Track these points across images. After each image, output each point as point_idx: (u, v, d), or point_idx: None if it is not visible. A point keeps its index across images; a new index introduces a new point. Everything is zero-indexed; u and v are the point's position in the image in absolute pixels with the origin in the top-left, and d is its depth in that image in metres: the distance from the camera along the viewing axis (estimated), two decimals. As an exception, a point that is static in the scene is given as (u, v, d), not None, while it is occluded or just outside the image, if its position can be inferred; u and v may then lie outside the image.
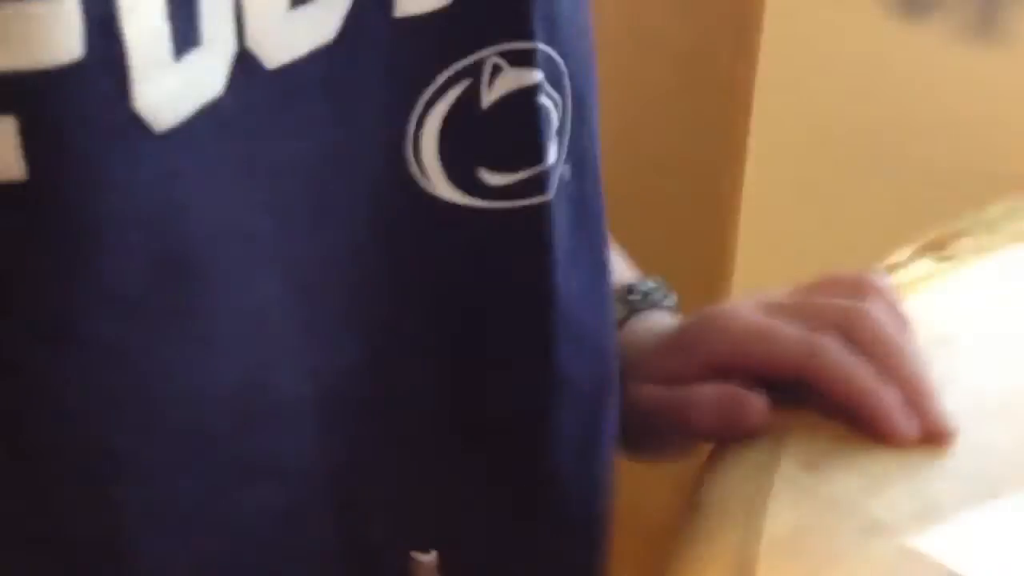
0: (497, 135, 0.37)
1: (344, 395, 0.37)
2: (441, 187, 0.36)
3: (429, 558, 0.32)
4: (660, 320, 0.49)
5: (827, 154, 1.38)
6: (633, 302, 0.50)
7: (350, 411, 0.37)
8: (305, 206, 0.34)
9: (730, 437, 0.41)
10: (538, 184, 0.38)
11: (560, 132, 0.39)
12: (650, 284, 0.51)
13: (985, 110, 1.28)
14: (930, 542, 0.31)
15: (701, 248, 1.43)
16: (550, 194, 0.38)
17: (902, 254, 1.20)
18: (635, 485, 0.53)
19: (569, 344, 0.40)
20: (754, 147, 1.41)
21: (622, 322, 0.49)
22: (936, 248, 1.22)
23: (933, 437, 0.40)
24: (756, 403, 0.41)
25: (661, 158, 1.42)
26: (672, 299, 0.51)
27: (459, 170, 0.37)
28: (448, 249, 0.38)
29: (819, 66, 1.36)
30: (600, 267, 0.43)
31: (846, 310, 0.43)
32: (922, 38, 1.27)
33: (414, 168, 0.36)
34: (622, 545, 0.49)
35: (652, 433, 0.45)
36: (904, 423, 0.40)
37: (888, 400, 0.40)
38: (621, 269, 0.52)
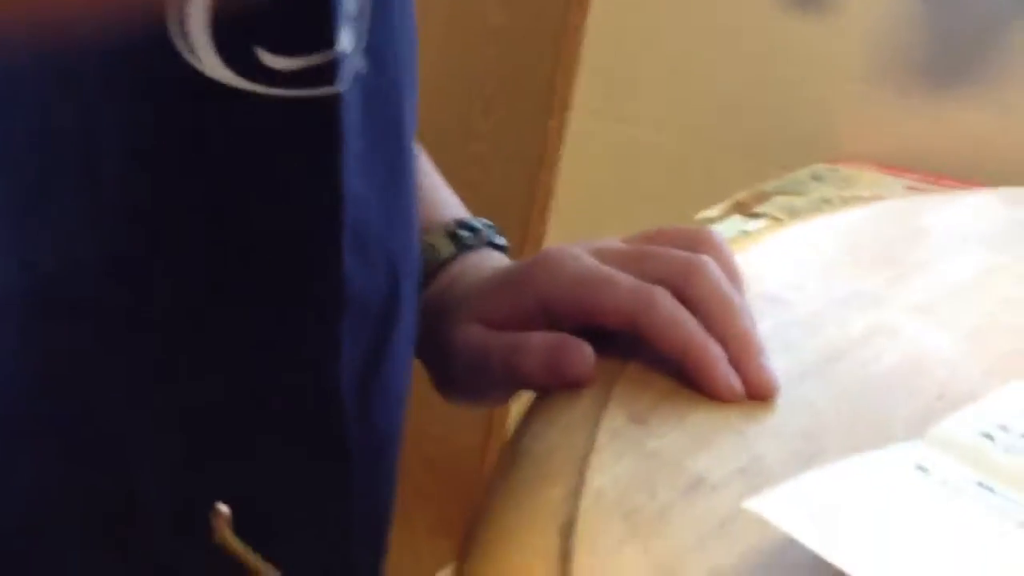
0: (281, 12, 0.32)
1: (73, 296, 0.33)
2: (213, 67, 0.32)
3: (222, 509, 0.29)
4: (491, 259, 0.47)
5: (648, 110, 1.39)
6: (463, 238, 0.47)
7: (80, 315, 0.33)
8: (25, 74, 0.29)
9: (557, 386, 0.39)
10: (328, 72, 0.34)
11: (357, 18, 0.35)
12: (482, 222, 0.48)
13: (803, 77, 1.31)
14: (756, 501, 0.30)
15: (519, 193, 1.41)
16: (341, 85, 0.34)
17: (714, 210, 1.21)
18: (419, 412, 0.52)
19: (357, 254, 0.37)
20: (579, 96, 1.41)
21: (451, 259, 0.47)
22: (746, 207, 1.24)
23: (757, 394, 0.40)
24: (585, 352, 0.39)
25: (484, 100, 1.40)
26: (503, 240, 0.49)
27: (234, 49, 0.32)
28: (224, 138, 0.34)
29: (647, 25, 1.36)
30: (396, 175, 0.40)
31: (681, 262, 0.41)
32: (750, 4, 1.29)
33: (180, 42, 0.31)
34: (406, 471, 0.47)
35: (475, 376, 0.43)
36: (729, 380, 0.39)
37: (715, 356, 0.39)
38: (453, 203, 0.49)
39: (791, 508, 0.30)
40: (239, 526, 0.32)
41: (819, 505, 0.30)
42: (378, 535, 0.46)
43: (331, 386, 0.39)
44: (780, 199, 1.18)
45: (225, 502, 0.31)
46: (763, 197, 1.20)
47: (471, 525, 0.34)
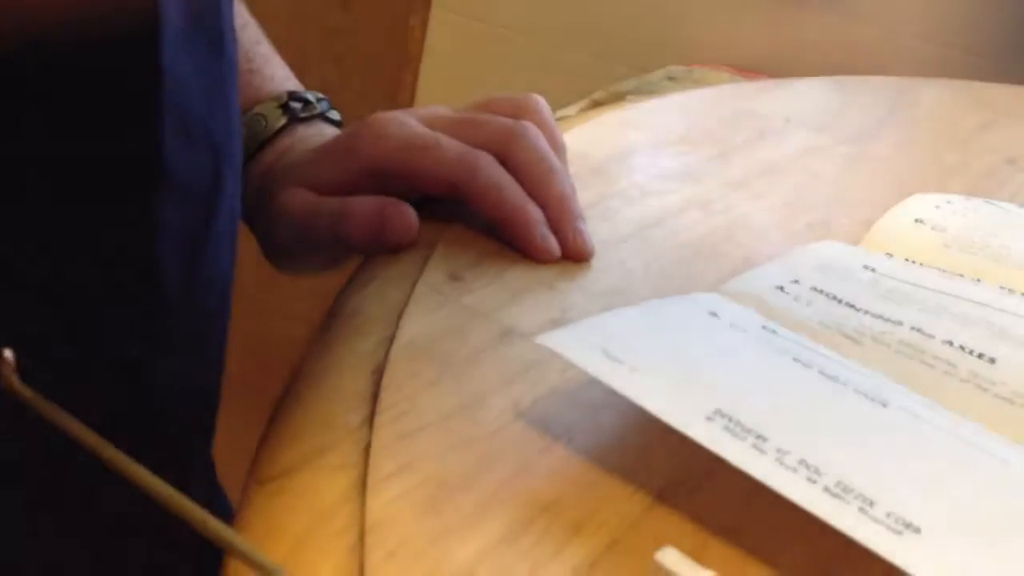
0: None
1: None
2: None
3: (7, 354, 0.29)
4: (324, 132, 0.47)
5: (508, 10, 1.39)
6: (294, 109, 0.47)
7: None
8: None
9: (381, 248, 0.41)
10: None
11: None
12: (315, 95, 0.48)
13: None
14: (549, 336, 0.32)
15: (380, 92, 1.41)
16: None
17: (571, 109, 1.23)
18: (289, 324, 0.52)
19: (177, 133, 0.38)
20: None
21: (281, 130, 0.47)
22: (602, 106, 1.26)
23: (573, 256, 0.41)
24: (408, 215, 0.41)
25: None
26: (336, 114, 0.49)
27: None
28: (43, 13, 0.33)
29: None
30: (216, 55, 0.40)
31: (505, 128, 0.42)
32: None
33: None
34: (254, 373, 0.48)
35: (302, 241, 0.44)
36: (546, 241, 0.41)
37: (533, 219, 0.41)
38: (284, 75, 0.49)
39: (583, 343, 0.32)
40: (51, 387, 0.32)
41: (611, 340, 0.32)
42: (203, 414, 0.46)
43: (151, 262, 0.39)
44: (635, 99, 1.20)
45: (28, 354, 0.32)
46: (618, 97, 1.22)
47: (287, 382, 0.35)
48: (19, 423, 0.31)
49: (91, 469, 0.35)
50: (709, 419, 0.29)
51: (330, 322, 0.37)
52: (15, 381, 0.29)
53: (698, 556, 0.28)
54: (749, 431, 0.29)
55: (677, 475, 0.31)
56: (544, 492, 0.29)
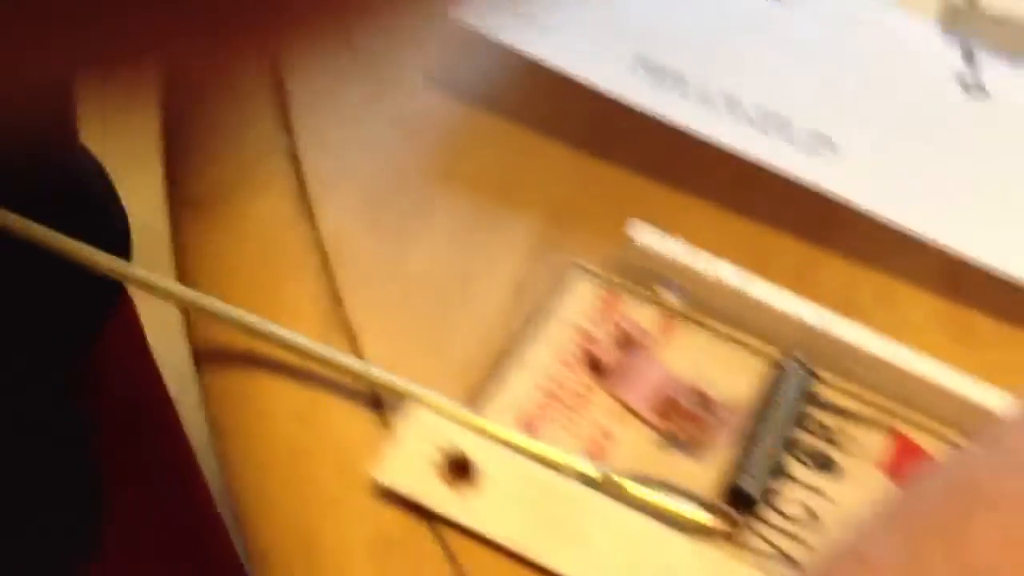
0: None
1: None
2: None
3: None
4: None
5: None
6: None
7: None
8: None
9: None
10: None
11: None
12: None
13: None
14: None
15: None
16: None
17: None
18: None
19: None
20: None
21: None
22: None
23: None
24: None
25: None
26: None
27: None
28: None
29: None
30: None
31: None
32: None
33: None
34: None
35: None
36: None
37: None
38: None
39: (491, 5, 0.30)
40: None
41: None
42: None
43: None
44: None
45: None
46: None
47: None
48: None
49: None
50: (630, 69, 0.29)
51: None
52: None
53: (648, 212, 0.29)
54: (670, 74, 0.29)
55: (597, 130, 0.31)
56: (474, 167, 0.30)
